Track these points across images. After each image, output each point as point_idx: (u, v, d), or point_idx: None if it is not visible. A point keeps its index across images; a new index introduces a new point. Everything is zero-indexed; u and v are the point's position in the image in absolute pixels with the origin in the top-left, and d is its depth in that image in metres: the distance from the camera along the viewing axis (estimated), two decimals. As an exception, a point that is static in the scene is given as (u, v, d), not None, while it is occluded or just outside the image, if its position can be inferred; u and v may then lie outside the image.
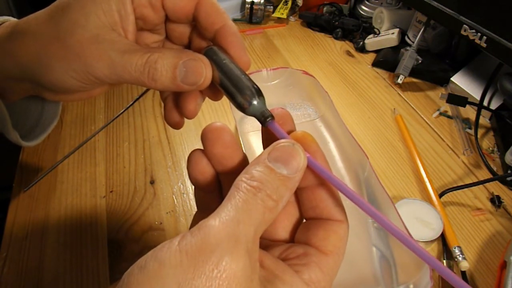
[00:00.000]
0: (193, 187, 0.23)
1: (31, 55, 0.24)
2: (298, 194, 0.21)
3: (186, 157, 0.22)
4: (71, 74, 0.24)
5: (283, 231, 0.21)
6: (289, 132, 0.20)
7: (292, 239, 0.21)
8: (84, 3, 0.24)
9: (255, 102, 0.21)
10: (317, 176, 0.20)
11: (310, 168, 0.19)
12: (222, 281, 0.14)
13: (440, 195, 0.47)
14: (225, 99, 0.24)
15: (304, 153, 0.18)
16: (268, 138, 0.21)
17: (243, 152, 0.22)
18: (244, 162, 0.21)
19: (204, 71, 0.22)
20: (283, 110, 0.22)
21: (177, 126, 0.27)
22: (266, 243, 0.21)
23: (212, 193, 0.23)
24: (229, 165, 0.21)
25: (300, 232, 0.21)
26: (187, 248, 0.14)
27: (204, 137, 0.21)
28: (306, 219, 0.21)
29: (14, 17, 0.29)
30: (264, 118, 0.21)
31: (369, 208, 0.18)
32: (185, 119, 0.28)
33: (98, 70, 0.23)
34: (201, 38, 0.26)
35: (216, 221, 0.15)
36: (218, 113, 0.60)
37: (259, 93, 0.22)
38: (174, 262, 0.14)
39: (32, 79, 0.25)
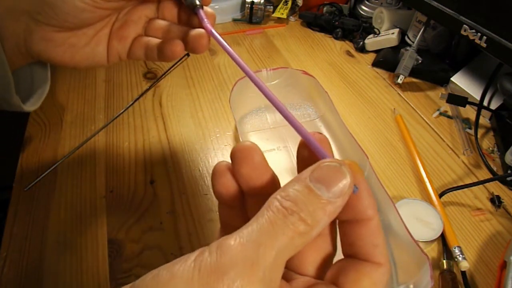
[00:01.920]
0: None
1: None
2: (335, 227, 0.20)
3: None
4: None
5: (310, 266, 0.20)
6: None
7: (320, 276, 0.20)
8: None
9: None
10: (359, 211, 0.18)
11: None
12: None
13: (440, 195, 0.47)
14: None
15: (352, 176, 0.16)
16: (304, 160, 0.20)
17: (273, 173, 0.21)
18: (273, 183, 0.20)
19: None
20: (321, 136, 0.20)
21: (177, 54, 0.32)
22: (291, 276, 0.20)
23: (235, 209, 0.21)
24: (256, 185, 0.20)
25: (331, 270, 0.19)
26: (201, 266, 0.14)
27: (232, 156, 0.20)
28: (343, 256, 0.20)
29: None
30: (193, 6, 0.29)
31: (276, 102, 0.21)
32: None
33: None
34: None
35: (236, 241, 0.15)
36: (218, 113, 0.60)
37: None
38: (185, 276, 0.14)
39: None
